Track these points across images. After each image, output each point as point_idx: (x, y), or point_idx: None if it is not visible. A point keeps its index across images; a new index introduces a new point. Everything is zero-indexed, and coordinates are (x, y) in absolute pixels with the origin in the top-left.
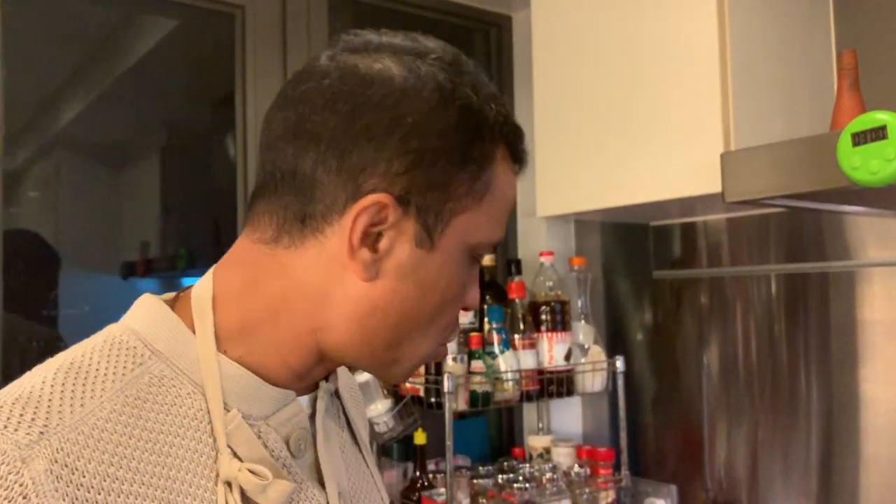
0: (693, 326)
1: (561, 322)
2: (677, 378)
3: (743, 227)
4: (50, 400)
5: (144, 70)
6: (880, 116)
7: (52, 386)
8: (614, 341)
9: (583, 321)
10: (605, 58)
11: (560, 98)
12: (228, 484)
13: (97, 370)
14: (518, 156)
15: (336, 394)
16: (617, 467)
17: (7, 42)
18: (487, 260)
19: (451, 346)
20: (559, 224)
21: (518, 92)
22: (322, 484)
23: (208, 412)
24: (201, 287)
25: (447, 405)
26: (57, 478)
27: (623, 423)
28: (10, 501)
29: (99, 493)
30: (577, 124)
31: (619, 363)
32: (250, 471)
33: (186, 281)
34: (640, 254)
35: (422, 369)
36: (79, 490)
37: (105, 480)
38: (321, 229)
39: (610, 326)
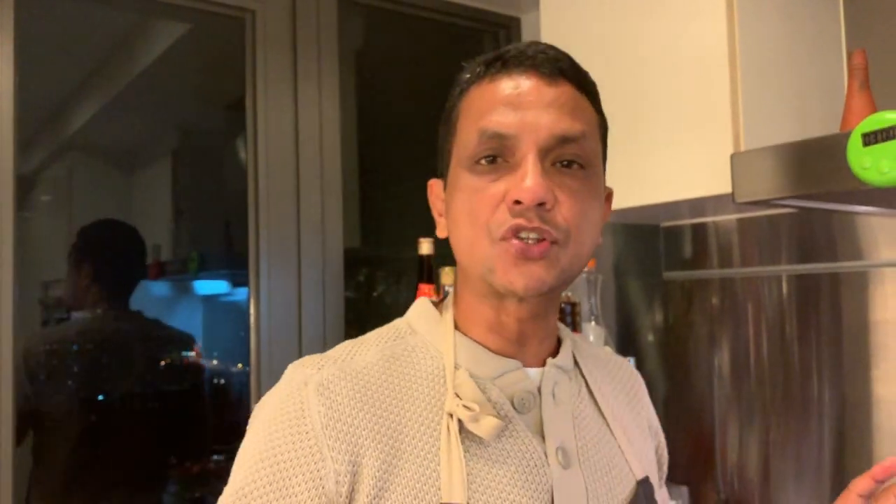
0: (704, 327)
1: (571, 323)
2: (688, 379)
3: (754, 227)
4: (335, 355)
5: (156, 74)
6: (890, 116)
7: (342, 349)
8: (625, 342)
9: (593, 322)
10: (615, 59)
11: None
12: (450, 415)
13: (372, 341)
14: (484, 68)
15: (581, 373)
16: None
17: (20, 46)
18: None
19: None
20: None
21: None
22: (543, 438)
23: (444, 370)
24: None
25: None
26: (320, 394)
27: None
28: (296, 404)
29: (345, 407)
30: None
31: (630, 364)
32: (466, 407)
33: (198, 283)
34: (650, 255)
35: None
36: (333, 403)
37: (350, 402)
38: (437, 221)
39: (620, 328)
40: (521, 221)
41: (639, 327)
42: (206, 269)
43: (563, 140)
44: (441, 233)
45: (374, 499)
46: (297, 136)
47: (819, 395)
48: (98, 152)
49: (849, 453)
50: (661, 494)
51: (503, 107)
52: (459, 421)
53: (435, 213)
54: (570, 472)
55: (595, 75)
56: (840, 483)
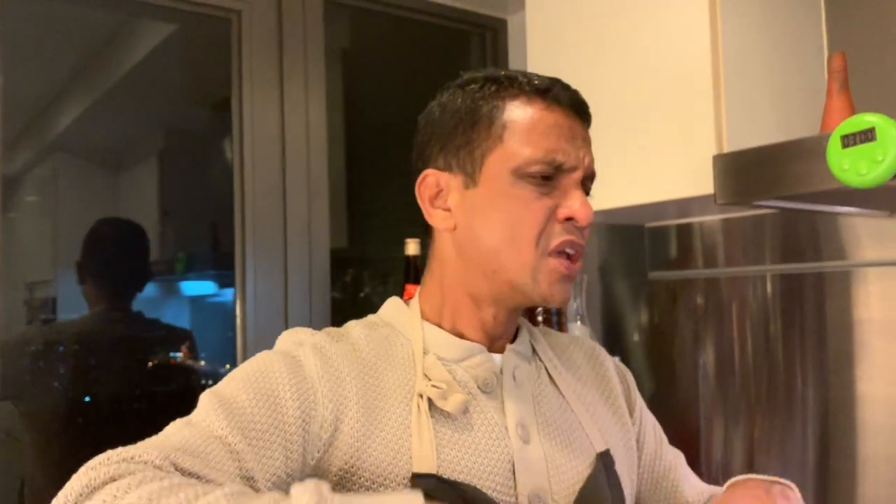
0: (689, 327)
1: (557, 323)
2: (673, 379)
3: (738, 227)
4: (326, 331)
5: (142, 74)
6: (869, 119)
7: (328, 329)
8: (610, 342)
9: (579, 322)
10: (599, 61)
11: None
12: (421, 395)
13: (353, 325)
14: (535, 94)
15: (540, 359)
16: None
17: (5, 46)
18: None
19: None
20: None
21: None
22: (505, 416)
23: (414, 355)
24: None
25: None
26: (316, 352)
27: None
28: (294, 355)
29: (337, 368)
30: None
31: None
32: (435, 386)
33: (185, 285)
34: (636, 255)
35: None
36: (326, 360)
37: (341, 365)
38: (428, 212)
39: (606, 327)
40: (574, 238)
41: (624, 327)
42: (192, 269)
43: (591, 177)
44: (443, 225)
45: (351, 458)
46: (283, 136)
47: (803, 393)
48: (84, 153)
49: (832, 451)
50: (645, 417)
51: (565, 140)
52: (429, 400)
53: (426, 205)
54: (530, 445)
55: (579, 76)
56: (824, 481)
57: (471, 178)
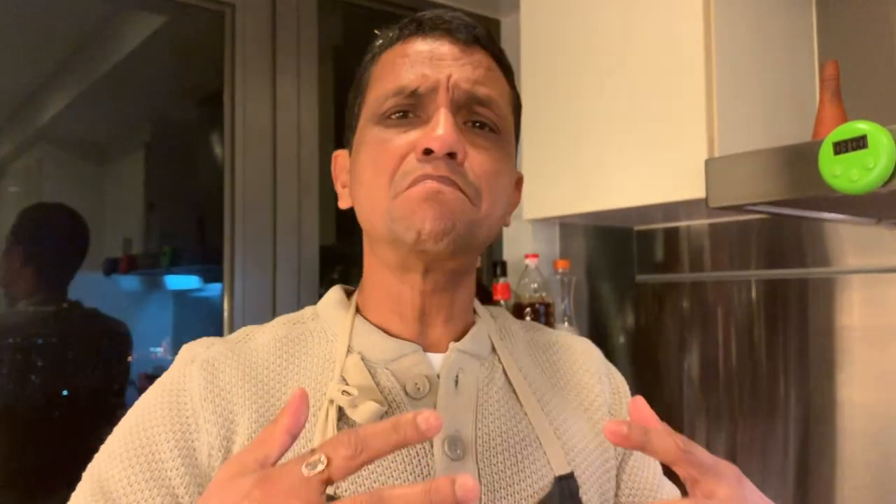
0: (674, 330)
1: (545, 324)
2: (658, 381)
3: (725, 232)
4: (230, 337)
5: (131, 66)
6: (861, 126)
7: (240, 332)
8: (597, 344)
9: (566, 323)
10: (592, 63)
11: (547, 102)
12: (331, 401)
13: (273, 324)
14: (400, 35)
15: (500, 359)
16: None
17: None
18: None
19: None
20: (544, 227)
21: None
22: None
23: (335, 354)
24: None
25: None
26: (203, 369)
27: None
28: (179, 378)
29: (226, 384)
30: (562, 129)
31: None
32: (346, 392)
33: (170, 279)
34: (623, 257)
35: None
36: (214, 378)
37: (232, 378)
38: (339, 194)
39: (593, 329)
40: (428, 169)
41: (611, 329)
42: (178, 263)
43: (477, 100)
44: (343, 203)
45: None
46: (274, 131)
47: (785, 398)
48: (69, 144)
49: (813, 455)
50: (641, 467)
51: (418, 65)
52: (340, 409)
53: (338, 186)
54: (460, 463)
55: (572, 79)
56: (804, 484)
57: (351, 147)
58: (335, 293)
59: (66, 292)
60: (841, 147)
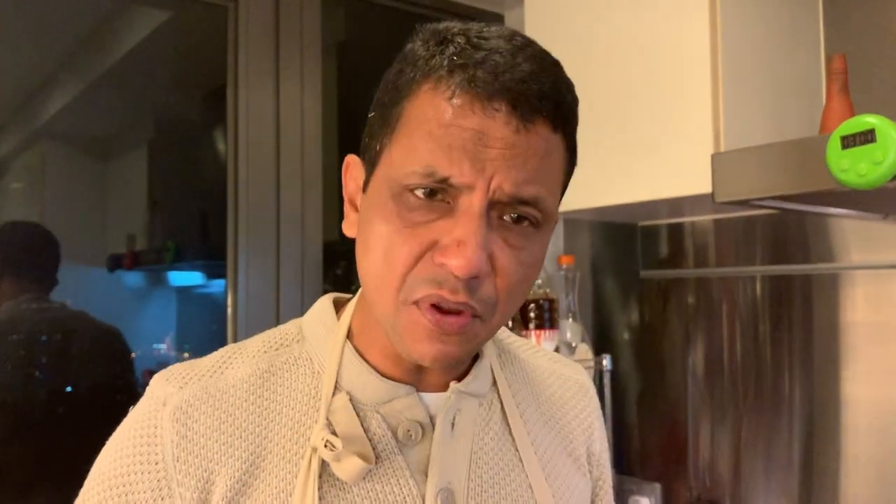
0: (679, 326)
1: (549, 320)
2: (663, 377)
3: (729, 228)
4: (206, 366)
5: (135, 62)
6: (869, 120)
7: (217, 358)
8: (601, 340)
9: (570, 319)
10: (597, 58)
11: None
12: (314, 450)
13: (253, 350)
14: (449, 71)
15: (499, 394)
16: None
17: None
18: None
19: None
20: None
21: None
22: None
23: (321, 391)
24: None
25: None
26: (176, 420)
27: (609, 422)
28: (150, 427)
29: (200, 437)
30: None
31: (606, 361)
32: (330, 444)
33: (173, 275)
34: (628, 253)
35: None
36: (188, 431)
37: (208, 429)
38: (345, 210)
39: (597, 325)
40: (444, 294)
41: (615, 325)
42: (181, 259)
43: (520, 201)
44: (349, 230)
45: None
46: (278, 127)
47: (790, 394)
48: (73, 140)
49: (818, 451)
50: (606, 469)
51: (457, 146)
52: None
53: (346, 199)
54: None
55: (577, 73)
56: (809, 480)
57: (367, 179)
58: (325, 309)
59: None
60: (849, 141)
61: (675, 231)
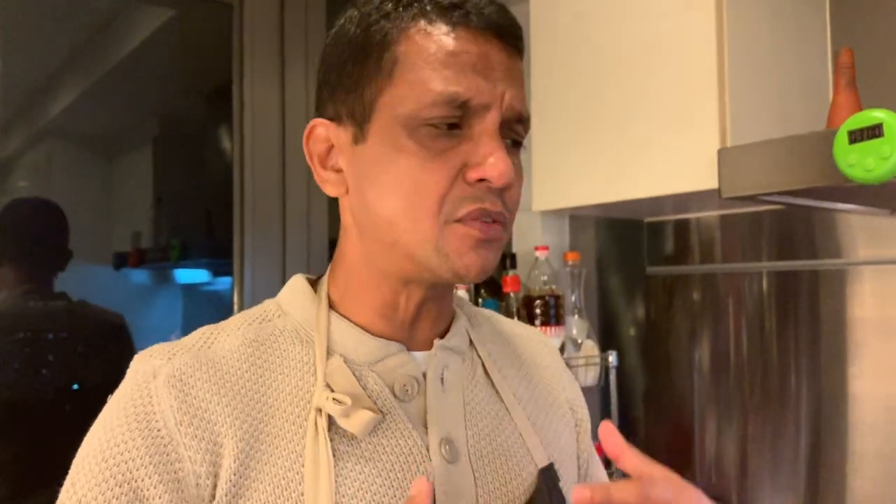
0: (685, 322)
1: (555, 316)
2: (669, 373)
3: (736, 224)
4: (189, 342)
5: (139, 60)
6: (877, 115)
7: (198, 335)
8: (607, 336)
9: (576, 316)
10: (603, 53)
11: (556, 93)
12: (319, 410)
13: (235, 325)
14: (438, 13)
15: (478, 353)
16: (607, 461)
17: (1, 30)
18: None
19: None
20: (554, 219)
21: None
22: (427, 429)
23: (315, 357)
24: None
25: None
26: (172, 386)
27: (615, 418)
28: (143, 398)
29: (201, 401)
30: (573, 120)
31: (612, 358)
32: (336, 400)
33: (179, 273)
34: (634, 249)
35: None
36: (186, 396)
37: (207, 394)
38: (318, 174)
39: (603, 321)
40: (487, 205)
41: (621, 321)
42: (187, 257)
43: (519, 119)
44: (335, 191)
45: (231, 501)
46: (283, 126)
47: (797, 390)
48: (78, 138)
49: (825, 448)
50: (593, 468)
51: (473, 71)
52: (329, 416)
53: (315, 163)
54: (456, 466)
55: (582, 69)
56: (816, 477)
57: (360, 130)
58: (299, 285)
59: (52, 286)
60: (856, 136)
61: (682, 227)
